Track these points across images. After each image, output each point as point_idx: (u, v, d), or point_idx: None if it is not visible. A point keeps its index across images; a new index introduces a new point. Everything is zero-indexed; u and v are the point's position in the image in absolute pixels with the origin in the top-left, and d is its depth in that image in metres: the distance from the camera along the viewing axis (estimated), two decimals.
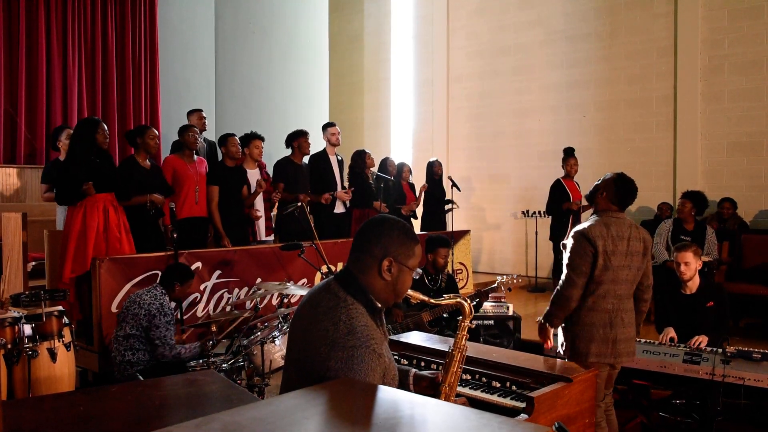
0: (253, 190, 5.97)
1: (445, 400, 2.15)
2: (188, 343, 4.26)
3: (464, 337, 2.24)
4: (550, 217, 7.28)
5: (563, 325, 3.31)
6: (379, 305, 1.95)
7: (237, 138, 6.00)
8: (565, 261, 3.26)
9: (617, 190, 3.31)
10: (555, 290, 3.29)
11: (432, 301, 2.24)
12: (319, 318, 1.87)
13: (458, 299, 2.27)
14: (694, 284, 4.27)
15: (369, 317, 1.88)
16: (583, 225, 3.29)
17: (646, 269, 3.37)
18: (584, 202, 7.05)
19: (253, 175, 6.08)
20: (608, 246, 3.17)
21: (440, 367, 2.51)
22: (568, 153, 7.02)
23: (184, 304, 5.03)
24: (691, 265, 4.22)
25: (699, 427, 3.98)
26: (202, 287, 5.25)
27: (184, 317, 4.99)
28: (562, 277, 3.25)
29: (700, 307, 4.22)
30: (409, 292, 2.09)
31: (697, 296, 4.25)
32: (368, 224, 1.99)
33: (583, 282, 3.18)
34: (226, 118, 11.16)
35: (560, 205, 6.86)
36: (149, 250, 5.09)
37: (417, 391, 2.19)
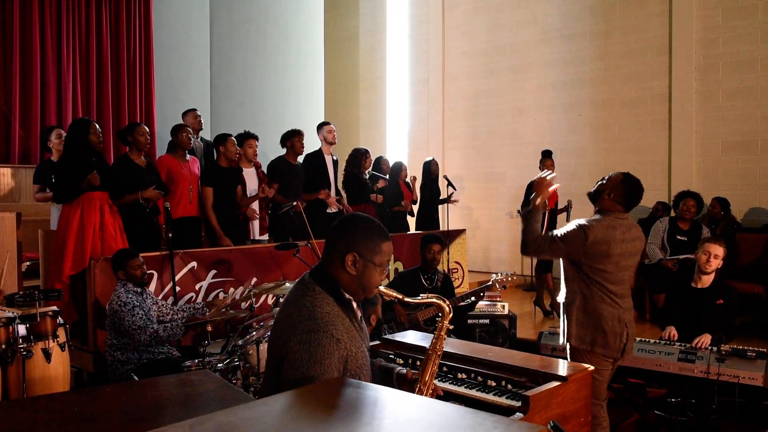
0: (249, 192, 5.92)
1: None
2: (170, 323, 4.14)
3: (441, 339, 2.20)
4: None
5: (574, 315, 3.27)
6: (348, 296, 2.03)
7: (234, 138, 5.95)
8: (559, 233, 3.25)
9: (625, 192, 3.27)
10: (541, 236, 3.23)
11: (406, 299, 2.16)
12: (289, 307, 1.99)
13: (434, 299, 2.21)
14: (708, 279, 4.23)
15: (337, 306, 1.96)
16: (589, 220, 3.25)
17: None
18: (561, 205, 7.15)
19: (249, 174, 6.02)
20: (608, 248, 3.16)
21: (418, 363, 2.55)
22: (546, 155, 7.15)
23: (181, 301, 5.02)
24: (719, 258, 4.18)
25: (694, 425, 3.99)
26: (197, 287, 5.24)
27: None
28: (555, 233, 3.24)
29: (710, 303, 4.20)
30: (383, 289, 2.11)
31: (708, 292, 4.22)
32: (338, 221, 2.10)
33: (554, 252, 3.21)
34: (221, 118, 11.14)
35: None
36: (144, 250, 5.05)
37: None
